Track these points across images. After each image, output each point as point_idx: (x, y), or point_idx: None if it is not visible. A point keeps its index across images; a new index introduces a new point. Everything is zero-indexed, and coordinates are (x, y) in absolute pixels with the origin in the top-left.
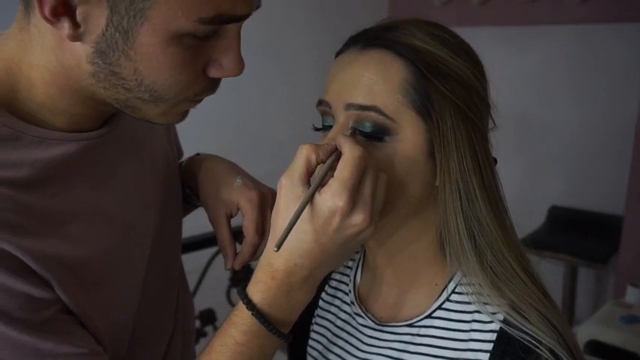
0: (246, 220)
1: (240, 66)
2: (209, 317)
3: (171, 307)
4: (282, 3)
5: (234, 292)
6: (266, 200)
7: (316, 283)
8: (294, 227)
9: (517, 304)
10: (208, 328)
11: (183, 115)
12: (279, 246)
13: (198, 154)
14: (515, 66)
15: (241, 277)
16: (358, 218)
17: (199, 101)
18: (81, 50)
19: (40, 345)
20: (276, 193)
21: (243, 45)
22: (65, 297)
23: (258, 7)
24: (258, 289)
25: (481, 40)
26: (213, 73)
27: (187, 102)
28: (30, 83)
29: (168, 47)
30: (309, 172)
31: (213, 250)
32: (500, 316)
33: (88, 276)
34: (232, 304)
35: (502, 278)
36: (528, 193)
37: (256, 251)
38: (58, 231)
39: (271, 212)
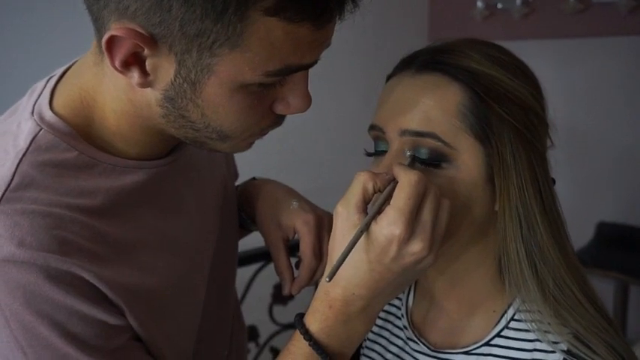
0: (303, 243)
1: (307, 103)
2: (251, 334)
3: (226, 331)
4: None
5: (276, 308)
6: (322, 223)
7: (375, 314)
8: (352, 256)
9: (582, 333)
10: (250, 345)
11: (250, 145)
12: (331, 277)
13: (254, 179)
14: (561, 80)
15: (284, 294)
16: (417, 247)
17: (266, 133)
18: (151, 95)
19: None
20: (332, 216)
21: None
22: (136, 324)
23: (327, 46)
24: (315, 319)
25: (526, 53)
26: (280, 110)
27: (254, 136)
28: (103, 115)
29: (234, 96)
30: (366, 201)
31: (255, 266)
32: (564, 346)
33: (156, 303)
34: (274, 321)
35: (565, 307)
36: (576, 208)
37: (314, 275)
38: (129, 259)
39: (328, 236)
